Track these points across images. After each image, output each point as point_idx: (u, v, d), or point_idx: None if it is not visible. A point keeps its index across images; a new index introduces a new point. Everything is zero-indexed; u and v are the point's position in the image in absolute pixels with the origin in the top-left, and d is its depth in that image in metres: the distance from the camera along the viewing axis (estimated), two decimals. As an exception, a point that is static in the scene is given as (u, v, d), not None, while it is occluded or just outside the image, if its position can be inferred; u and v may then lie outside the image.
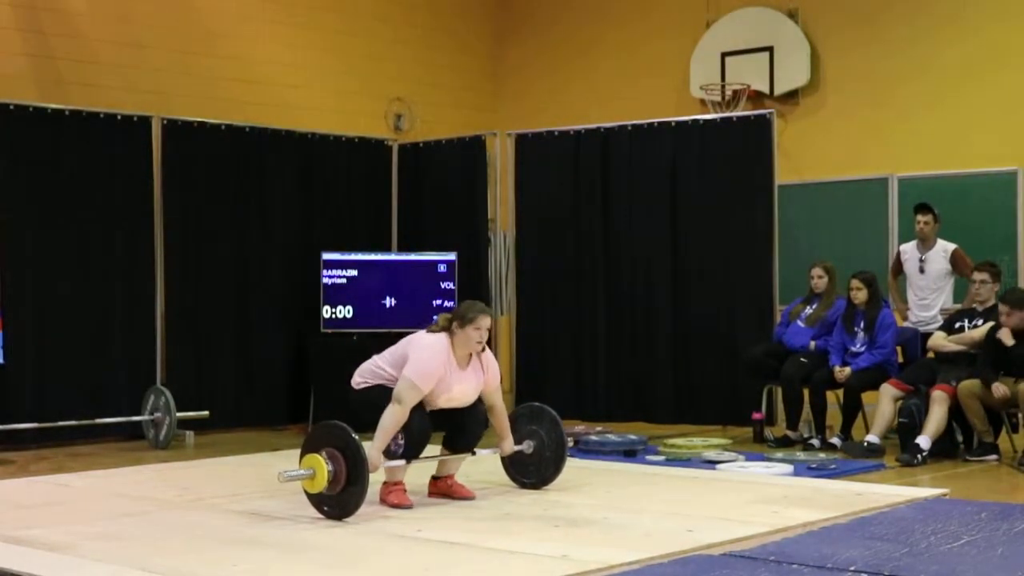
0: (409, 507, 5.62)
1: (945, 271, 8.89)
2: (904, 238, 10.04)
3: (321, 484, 5.30)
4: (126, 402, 9.03)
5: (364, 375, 5.88)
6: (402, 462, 5.67)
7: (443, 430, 5.94)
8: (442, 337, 5.75)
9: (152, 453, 8.57)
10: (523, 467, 6.23)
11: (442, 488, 5.94)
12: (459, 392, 5.78)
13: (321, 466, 5.28)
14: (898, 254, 9.24)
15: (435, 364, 5.65)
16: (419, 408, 5.66)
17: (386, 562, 4.63)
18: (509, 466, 6.24)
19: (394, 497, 5.67)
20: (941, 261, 8.89)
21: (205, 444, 8.90)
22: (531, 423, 6.20)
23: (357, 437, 5.35)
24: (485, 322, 5.74)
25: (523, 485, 6.21)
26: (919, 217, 8.93)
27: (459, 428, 5.92)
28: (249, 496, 6.04)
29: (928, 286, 8.91)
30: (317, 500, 5.41)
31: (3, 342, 8.37)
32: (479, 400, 5.93)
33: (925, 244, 8.96)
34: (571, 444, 6.87)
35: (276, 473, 5.46)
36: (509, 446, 6.08)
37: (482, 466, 6.32)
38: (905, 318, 9.05)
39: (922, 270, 8.92)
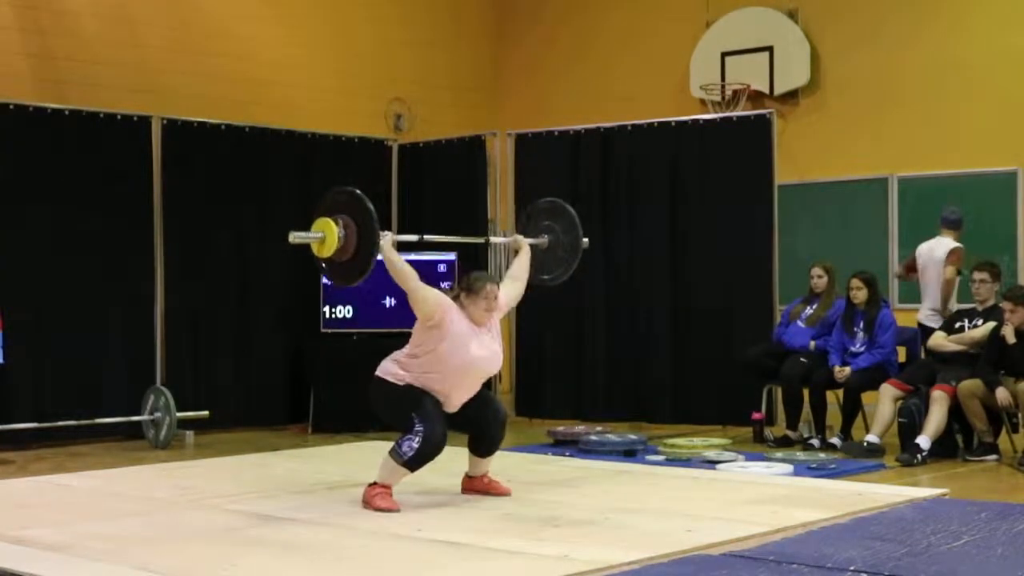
0: (397, 511, 5.48)
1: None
2: (904, 238, 10.08)
3: (330, 249, 5.26)
4: (126, 402, 9.04)
5: (383, 365, 5.80)
6: (404, 471, 5.55)
7: (465, 431, 5.89)
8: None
9: (152, 453, 8.57)
10: (541, 264, 6.26)
11: (478, 486, 5.89)
12: (477, 348, 5.64)
13: (332, 231, 5.24)
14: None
15: (445, 296, 5.64)
16: (440, 420, 5.57)
17: (386, 562, 4.63)
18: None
19: (380, 500, 5.52)
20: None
21: (205, 444, 8.90)
22: (548, 218, 6.22)
23: (373, 209, 5.32)
24: (493, 290, 5.72)
25: (543, 283, 6.27)
26: None
27: (481, 432, 5.86)
28: (249, 496, 6.04)
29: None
30: (321, 263, 5.39)
31: (3, 342, 8.37)
32: (497, 403, 5.92)
33: None
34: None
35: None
36: (522, 239, 6.15)
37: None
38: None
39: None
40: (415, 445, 5.49)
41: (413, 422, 5.53)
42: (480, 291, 5.68)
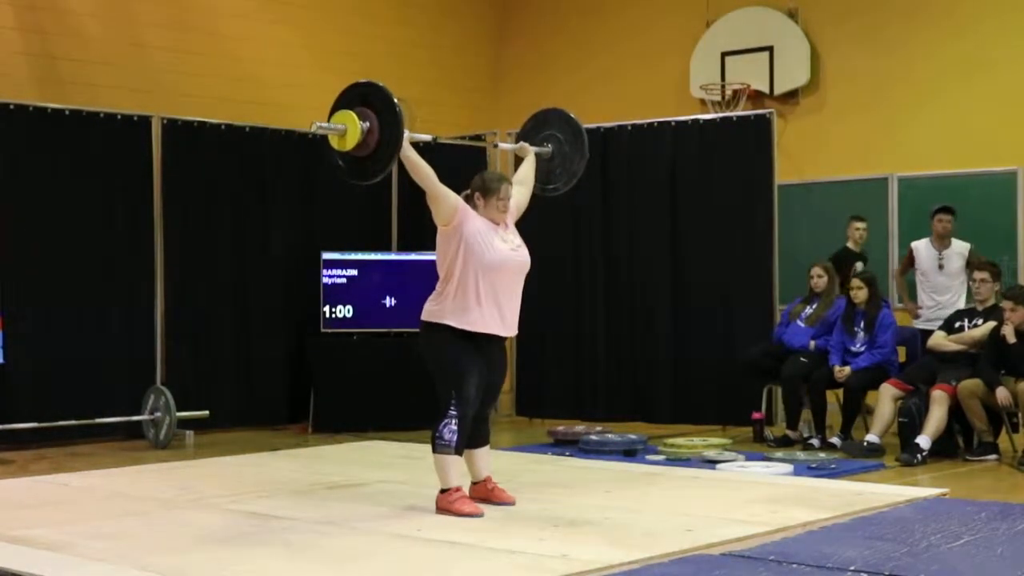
0: (481, 515, 5.40)
1: (960, 269, 8.94)
2: (904, 238, 10.06)
3: (351, 142, 5.20)
4: (126, 402, 9.03)
5: (425, 307, 5.71)
6: (456, 458, 5.47)
7: None
8: None
9: (152, 453, 8.57)
10: (548, 175, 6.25)
11: (482, 492, 5.73)
12: (501, 242, 5.60)
13: (354, 124, 5.17)
14: (910, 251, 9.23)
15: (461, 200, 5.58)
16: (474, 402, 5.48)
17: (386, 562, 4.63)
18: (536, 183, 6.18)
19: (462, 504, 5.44)
20: (959, 260, 8.96)
21: (205, 444, 8.90)
22: (542, 129, 6.23)
23: (398, 101, 5.26)
24: (508, 190, 5.70)
25: (553, 192, 6.26)
26: (943, 216, 8.99)
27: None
28: (249, 496, 6.04)
29: (947, 285, 8.94)
30: (339, 157, 5.31)
31: (3, 342, 8.37)
32: (487, 395, 5.71)
33: (942, 243, 9.00)
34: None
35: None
36: (529, 147, 6.15)
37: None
38: (916, 316, 9.04)
39: (941, 267, 8.95)
40: (455, 428, 5.43)
41: (450, 404, 5.45)
42: (496, 191, 5.65)
